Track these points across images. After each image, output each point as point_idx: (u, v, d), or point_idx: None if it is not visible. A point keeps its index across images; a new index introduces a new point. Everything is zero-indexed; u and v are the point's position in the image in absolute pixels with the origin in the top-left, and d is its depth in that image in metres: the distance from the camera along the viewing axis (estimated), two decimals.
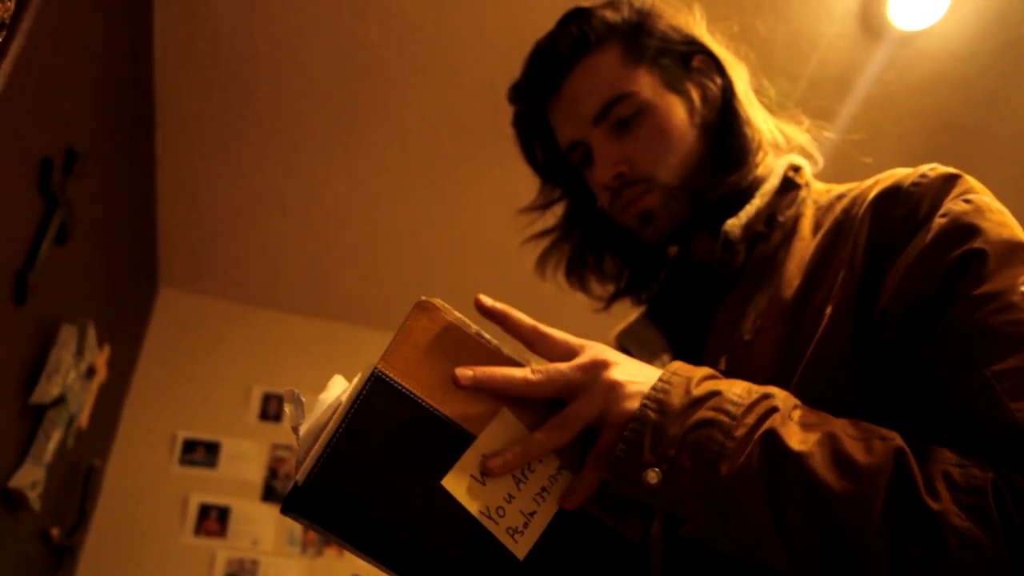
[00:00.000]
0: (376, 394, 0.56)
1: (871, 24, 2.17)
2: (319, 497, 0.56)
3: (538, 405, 0.60)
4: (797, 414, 0.63)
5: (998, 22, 2.14)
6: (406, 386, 0.56)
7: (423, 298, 0.55)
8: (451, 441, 0.58)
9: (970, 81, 2.33)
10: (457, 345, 0.57)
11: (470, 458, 0.58)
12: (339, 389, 0.62)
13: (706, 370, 0.68)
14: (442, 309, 0.56)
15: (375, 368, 0.55)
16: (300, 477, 0.56)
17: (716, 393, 0.64)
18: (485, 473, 0.58)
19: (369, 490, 0.56)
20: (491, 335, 0.60)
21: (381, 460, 0.57)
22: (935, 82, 2.35)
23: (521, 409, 0.59)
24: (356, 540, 0.57)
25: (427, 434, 0.57)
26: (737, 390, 0.64)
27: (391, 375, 0.56)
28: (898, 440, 0.59)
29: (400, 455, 0.57)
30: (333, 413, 0.59)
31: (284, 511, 0.57)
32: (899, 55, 2.27)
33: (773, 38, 2.16)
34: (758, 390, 0.64)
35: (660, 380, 0.65)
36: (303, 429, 0.59)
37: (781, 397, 0.65)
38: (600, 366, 0.65)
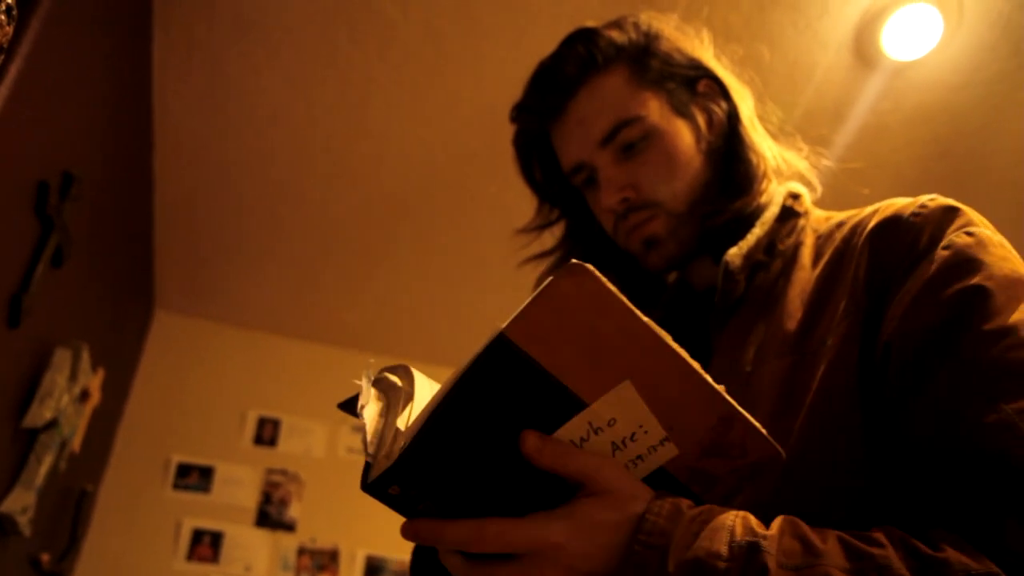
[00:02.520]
0: (494, 358, 0.54)
1: (865, 54, 2.18)
2: (420, 461, 0.56)
3: (667, 382, 0.58)
4: (785, 559, 0.55)
5: (990, 54, 2.16)
6: (527, 351, 0.54)
7: (574, 261, 0.53)
8: (562, 407, 0.58)
9: (963, 111, 2.35)
10: (596, 313, 0.55)
11: (576, 423, 0.58)
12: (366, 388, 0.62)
13: (686, 512, 0.59)
14: (590, 275, 0.53)
15: (500, 332, 0.54)
16: (405, 438, 0.56)
17: (697, 566, 0.55)
18: (584, 439, 0.59)
19: (469, 452, 0.57)
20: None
21: (487, 423, 0.57)
22: (929, 111, 2.36)
23: (646, 385, 0.58)
24: (446, 504, 0.59)
25: (538, 400, 0.57)
26: (722, 548, 0.55)
27: (514, 339, 0.54)
28: (892, 557, 0.55)
29: (506, 419, 0.57)
30: (386, 395, 0.60)
31: (379, 480, 0.57)
32: (893, 85, 2.29)
33: (769, 68, 2.17)
34: (742, 543, 0.56)
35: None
36: (370, 412, 0.60)
37: (771, 546, 0.56)
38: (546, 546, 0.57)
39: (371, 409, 0.61)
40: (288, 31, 2.16)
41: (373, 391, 0.64)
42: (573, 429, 0.58)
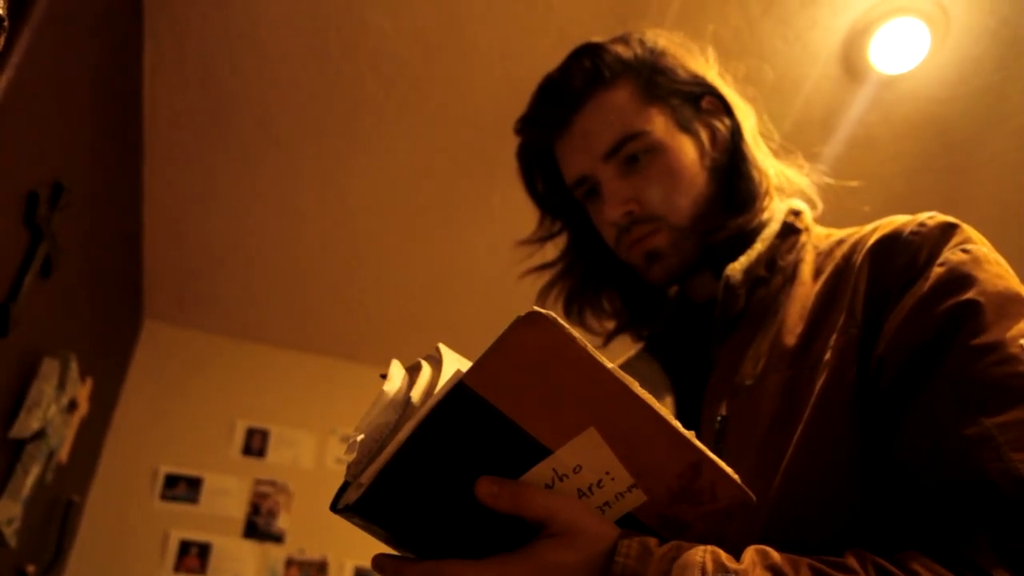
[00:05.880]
0: (455, 405, 0.54)
1: (853, 67, 2.20)
2: (380, 500, 0.56)
3: (634, 429, 0.58)
4: None
5: (976, 67, 2.18)
6: (488, 399, 0.55)
7: (534, 308, 0.53)
8: (526, 454, 0.57)
9: (950, 124, 2.37)
10: (557, 360, 0.54)
11: (541, 470, 0.58)
12: (399, 378, 0.61)
13: (655, 551, 0.59)
14: (550, 323, 0.53)
15: (460, 379, 0.54)
16: (365, 480, 0.56)
17: None
18: (549, 486, 0.58)
19: (430, 495, 0.57)
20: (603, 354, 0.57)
21: (448, 468, 0.57)
22: (916, 124, 2.38)
23: (612, 431, 0.57)
24: (407, 542, 0.60)
25: (501, 446, 0.57)
26: None
27: (474, 387, 0.54)
28: None
29: (468, 465, 0.57)
30: (400, 412, 0.59)
31: (341, 510, 0.58)
32: (881, 98, 2.30)
33: (758, 80, 2.18)
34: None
35: None
36: (364, 424, 0.59)
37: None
38: None
39: (382, 413, 0.60)
40: (280, 44, 2.16)
41: (403, 383, 0.62)
42: (538, 476, 0.58)
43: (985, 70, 2.19)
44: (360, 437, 0.58)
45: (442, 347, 0.62)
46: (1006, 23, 2.05)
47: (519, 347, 0.53)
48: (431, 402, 0.55)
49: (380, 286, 3.18)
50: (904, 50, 2.13)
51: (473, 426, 0.55)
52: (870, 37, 2.11)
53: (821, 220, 0.98)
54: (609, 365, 0.55)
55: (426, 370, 0.61)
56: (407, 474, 0.56)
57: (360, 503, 0.56)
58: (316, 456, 3.45)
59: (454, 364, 0.60)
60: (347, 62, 2.21)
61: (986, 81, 2.22)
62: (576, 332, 0.54)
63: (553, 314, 0.53)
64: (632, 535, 0.59)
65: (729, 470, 0.60)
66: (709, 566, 0.56)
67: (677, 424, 0.58)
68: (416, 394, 0.59)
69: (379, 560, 0.61)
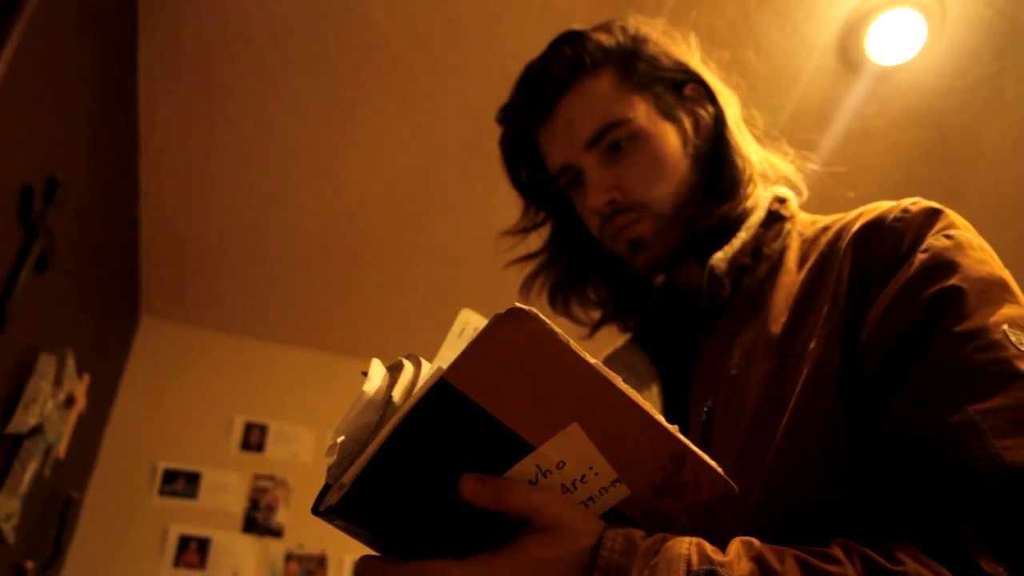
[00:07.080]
0: (436, 402, 0.54)
1: (850, 58, 2.20)
2: (362, 501, 0.56)
3: (616, 424, 0.57)
4: None
5: (972, 59, 2.18)
6: (470, 396, 0.54)
7: (516, 305, 0.52)
8: (508, 451, 0.57)
9: (947, 115, 2.37)
10: (538, 356, 0.54)
11: (524, 467, 0.58)
12: (379, 378, 0.60)
13: (640, 544, 0.58)
14: (531, 318, 0.52)
15: (441, 377, 0.53)
16: (347, 480, 0.56)
17: None
18: (533, 482, 0.58)
19: (413, 495, 0.57)
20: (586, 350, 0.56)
21: (430, 467, 0.56)
22: (913, 115, 2.38)
23: (595, 426, 0.57)
24: (390, 543, 0.59)
25: (483, 444, 0.56)
26: None
27: (456, 384, 0.53)
28: (850, 573, 0.56)
29: (451, 463, 0.57)
30: (381, 412, 0.58)
31: (323, 513, 0.57)
32: (877, 89, 2.30)
33: (755, 72, 2.18)
34: (700, 572, 0.56)
35: None
36: (344, 426, 0.58)
37: (729, 572, 0.56)
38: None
39: (362, 413, 0.59)
40: (275, 37, 2.16)
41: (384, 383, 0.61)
42: (521, 472, 0.58)
43: (982, 61, 2.19)
44: (341, 439, 0.58)
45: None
46: (1002, 14, 2.05)
47: (500, 344, 0.53)
48: (411, 400, 0.55)
49: (378, 280, 3.18)
50: (900, 41, 2.12)
51: (454, 424, 0.55)
52: (866, 28, 2.11)
53: (808, 207, 0.97)
54: (591, 360, 0.55)
55: (408, 368, 0.61)
56: (389, 473, 0.55)
57: (342, 504, 0.56)
58: (315, 451, 3.45)
59: (435, 363, 0.59)
60: (343, 57, 2.21)
61: (983, 72, 2.22)
62: (557, 328, 0.54)
63: (534, 310, 0.53)
64: (617, 528, 0.59)
65: (712, 461, 0.60)
66: (694, 558, 0.56)
67: (659, 416, 0.58)
68: (397, 393, 0.59)
69: (363, 562, 0.60)
